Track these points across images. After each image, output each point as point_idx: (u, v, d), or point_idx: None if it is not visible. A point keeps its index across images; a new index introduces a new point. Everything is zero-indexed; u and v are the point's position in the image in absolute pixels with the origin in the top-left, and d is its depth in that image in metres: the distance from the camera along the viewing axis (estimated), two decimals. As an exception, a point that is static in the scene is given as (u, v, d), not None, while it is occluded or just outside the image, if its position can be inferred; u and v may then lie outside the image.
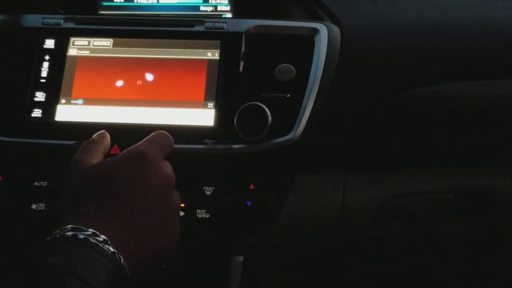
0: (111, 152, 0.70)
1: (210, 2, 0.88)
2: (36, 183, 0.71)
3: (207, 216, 0.70)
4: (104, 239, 0.48)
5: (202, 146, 0.69)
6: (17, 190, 0.72)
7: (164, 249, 0.54)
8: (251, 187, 0.71)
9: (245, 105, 0.68)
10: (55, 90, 0.73)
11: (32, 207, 0.71)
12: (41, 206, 0.71)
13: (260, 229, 0.75)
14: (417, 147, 0.79)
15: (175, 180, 0.57)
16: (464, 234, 0.83)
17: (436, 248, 0.85)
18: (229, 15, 0.87)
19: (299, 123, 0.69)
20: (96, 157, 0.59)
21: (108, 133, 0.70)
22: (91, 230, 0.48)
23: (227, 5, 0.87)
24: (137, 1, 0.89)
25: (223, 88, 0.72)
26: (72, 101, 0.73)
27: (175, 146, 0.69)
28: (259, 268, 0.79)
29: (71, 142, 0.70)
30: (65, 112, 0.73)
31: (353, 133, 0.75)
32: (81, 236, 0.47)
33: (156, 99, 0.72)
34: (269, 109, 0.68)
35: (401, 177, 0.80)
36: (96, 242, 0.47)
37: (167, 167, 0.58)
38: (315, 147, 0.72)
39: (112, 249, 0.48)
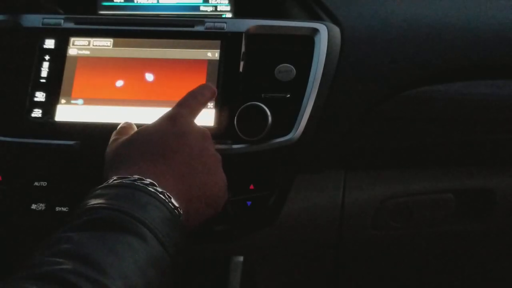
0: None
1: (210, 2, 0.88)
2: (36, 183, 0.72)
3: (207, 216, 0.70)
4: (150, 181, 0.52)
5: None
6: (17, 190, 0.72)
7: (212, 192, 0.58)
8: (251, 187, 0.71)
9: (245, 105, 0.68)
10: (55, 90, 0.73)
11: (32, 207, 0.71)
12: (41, 206, 0.71)
13: (260, 229, 0.75)
14: (417, 147, 0.79)
15: (210, 135, 0.62)
16: (464, 234, 0.83)
17: (436, 248, 0.85)
18: (229, 15, 0.87)
19: (299, 123, 0.69)
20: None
21: (108, 133, 0.70)
22: (136, 176, 0.52)
23: (227, 5, 0.87)
24: (137, 1, 0.89)
25: (223, 88, 0.72)
26: (72, 101, 0.73)
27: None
28: (259, 268, 0.79)
29: (71, 142, 0.70)
30: (65, 112, 0.73)
31: (353, 133, 0.75)
32: (127, 182, 0.51)
33: (156, 99, 0.72)
34: (269, 109, 0.68)
35: (401, 177, 0.80)
36: (142, 184, 0.51)
37: (196, 125, 0.62)
38: (315, 147, 0.72)
39: (159, 189, 0.51)
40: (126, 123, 0.68)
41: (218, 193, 0.59)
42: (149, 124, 0.61)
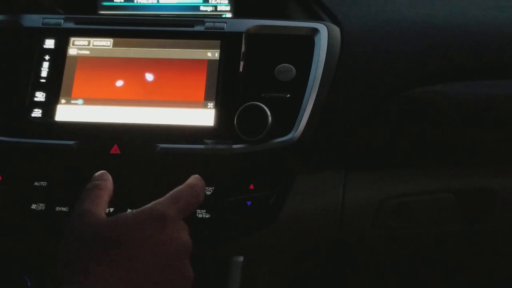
0: (111, 152, 0.70)
1: (210, 2, 0.88)
2: (36, 183, 0.71)
3: (207, 216, 0.70)
4: None
5: (202, 146, 0.69)
6: (17, 190, 0.72)
7: None
8: (251, 187, 0.71)
9: (245, 105, 0.68)
10: (55, 90, 0.73)
11: (32, 207, 0.71)
12: (41, 206, 0.71)
13: (260, 229, 0.75)
14: (417, 147, 0.79)
15: (191, 245, 0.53)
16: (464, 234, 0.83)
17: (436, 248, 0.85)
18: (229, 15, 0.87)
19: (299, 123, 0.69)
20: (103, 207, 0.53)
21: (108, 133, 0.70)
22: None
23: (227, 5, 0.87)
24: (137, 1, 0.89)
25: (223, 88, 0.72)
26: (72, 101, 0.73)
27: (175, 146, 0.69)
28: (259, 268, 0.79)
29: (71, 142, 0.70)
30: (65, 112, 0.73)
31: (353, 133, 0.74)
32: None
33: (156, 99, 0.72)
34: (269, 109, 0.68)
35: (401, 177, 0.80)
36: None
37: (185, 232, 0.53)
38: (315, 147, 0.72)
39: None
40: (102, 176, 0.56)
41: None
42: (131, 219, 0.50)
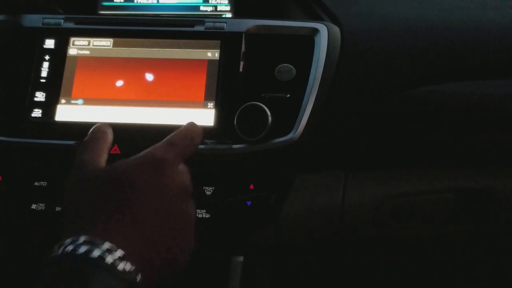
0: (111, 152, 0.69)
1: (210, 2, 0.88)
2: (36, 183, 0.71)
3: (207, 216, 0.70)
4: (119, 256, 0.45)
5: (202, 146, 0.69)
6: (17, 190, 0.72)
7: (178, 259, 0.52)
8: (251, 187, 0.71)
9: (245, 105, 0.68)
10: (55, 90, 0.73)
11: (32, 207, 0.71)
12: (41, 206, 0.71)
13: (260, 229, 0.75)
14: (417, 147, 0.79)
15: (192, 187, 0.54)
16: (464, 234, 0.83)
17: (436, 248, 0.85)
18: (229, 15, 0.87)
19: (299, 123, 0.69)
20: (103, 157, 0.55)
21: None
22: (106, 244, 0.45)
23: (227, 5, 0.87)
24: (137, 1, 0.89)
25: (223, 88, 0.72)
26: (72, 101, 0.73)
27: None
28: (259, 268, 0.79)
29: (71, 142, 0.70)
30: (65, 112, 0.73)
31: (353, 133, 0.75)
32: (96, 254, 0.44)
33: (156, 99, 0.72)
34: (269, 109, 0.68)
35: (401, 177, 0.80)
36: (111, 261, 0.44)
37: (185, 174, 0.54)
38: (315, 147, 0.72)
39: (129, 266, 0.45)
40: (98, 128, 0.58)
41: (182, 257, 0.52)
42: (129, 163, 0.51)
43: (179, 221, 0.52)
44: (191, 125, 0.59)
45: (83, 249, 0.44)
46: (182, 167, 0.54)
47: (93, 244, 0.44)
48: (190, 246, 0.53)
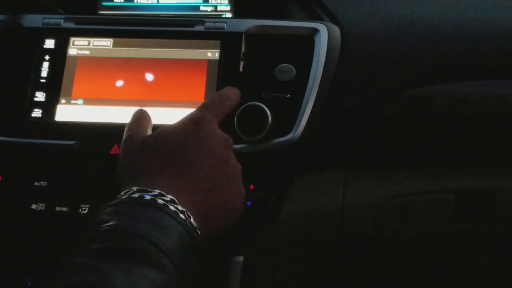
0: (111, 152, 0.70)
1: (210, 2, 0.88)
2: (36, 183, 0.71)
3: (207, 216, 0.70)
4: (171, 198, 0.48)
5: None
6: (17, 190, 0.72)
7: (231, 208, 0.55)
8: (251, 187, 0.71)
9: (245, 105, 0.68)
10: (55, 90, 0.73)
11: (32, 207, 0.71)
12: (41, 206, 0.71)
13: (260, 229, 0.75)
14: (417, 147, 0.79)
15: (232, 142, 0.59)
16: (464, 234, 0.83)
17: (436, 248, 0.85)
18: (229, 15, 0.87)
19: (299, 123, 0.69)
20: (148, 129, 0.61)
21: (108, 133, 0.70)
22: (157, 191, 0.48)
23: (227, 5, 0.87)
24: (137, 1, 0.89)
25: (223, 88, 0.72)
26: (72, 101, 0.73)
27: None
28: (259, 268, 0.79)
29: (71, 142, 0.70)
30: (65, 112, 0.73)
31: (353, 133, 0.74)
32: (148, 197, 0.47)
33: (156, 99, 0.72)
34: (269, 109, 0.68)
35: (401, 177, 0.80)
36: (163, 202, 0.47)
37: (222, 131, 0.59)
38: (315, 147, 0.72)
39: (180, 208, 0.48)
40: (140, 111, 0.64)
41: (234, 206, 0.56)
42: (171, 126, 0.57)
43: (226, 169, 0.56)
44: (227, 88, 0.65)
45: (136, 195, 0.48)
46: (216, 125, 0.59)
47: (145, 191, 0.48)
48: (241, 195, 0.57)
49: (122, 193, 0.49)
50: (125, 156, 0.57)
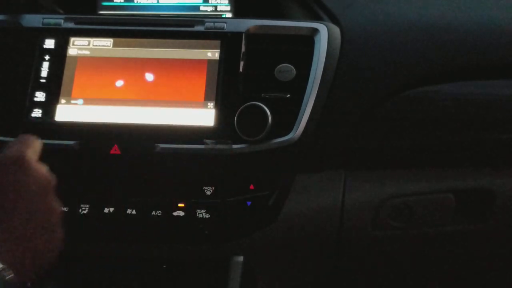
0: (111, 152, 0.70)
1: (210, 2, 0.88)
2: (36, 183, 0.71)
3: (207, 216, 0.70)
4: None
5: (202, 146, 0.69)
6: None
7: (47, 252, 0.54)
8: (251, 187, 0.71)
9: (245, 105, 0.68)
10: (55, 90, 0.73)
11: (32, 207, 0.71)
12: (41, 206, 0.71)
13: (260, 229, 0.75)
14: (417, 147, 0.79)
15: (53, 181, 0.56)
16: (464, 234, 0.83)
17: (436, 248, 0.85)
18: (229, 15, 0.87)
19: (299, 123, 0.69)
20: None
21: (108, 133, 0.70)
22: None
23: (227, 5, 0.87)
24: (137, 1, 0.89)
25: (223, 88, 0.72)
26: (72, 101, 0.73)
27: (175, 146, 0.69)
28: (259, 268, 0.79)
29: (71, 142, 0.70)
30: (65, 112, 0.73)
31: (353, 133, 0.74)
32: None
33: (156, 99, 0.72)
34: (269, 109, 0.68)
35: (401, 177, 0.80)
36: None
37: (44, 169, 0.56)
38: (315, 147, 0.72)
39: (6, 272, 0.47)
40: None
41: (51, 250, 0.54)
42: None
43: (44, 215, 0.54)
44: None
45: None
46: (40, 163, 0.56)
47: None
48: (55, 242, 0.55)
49: None
50: None
